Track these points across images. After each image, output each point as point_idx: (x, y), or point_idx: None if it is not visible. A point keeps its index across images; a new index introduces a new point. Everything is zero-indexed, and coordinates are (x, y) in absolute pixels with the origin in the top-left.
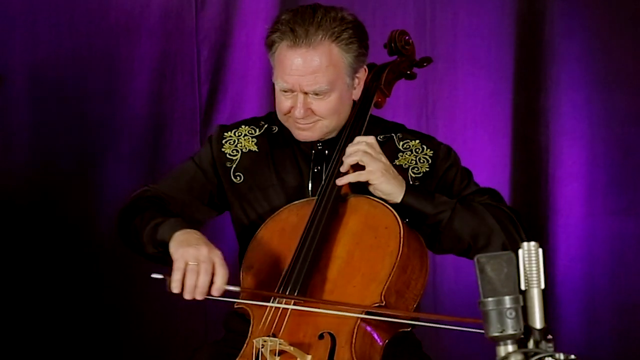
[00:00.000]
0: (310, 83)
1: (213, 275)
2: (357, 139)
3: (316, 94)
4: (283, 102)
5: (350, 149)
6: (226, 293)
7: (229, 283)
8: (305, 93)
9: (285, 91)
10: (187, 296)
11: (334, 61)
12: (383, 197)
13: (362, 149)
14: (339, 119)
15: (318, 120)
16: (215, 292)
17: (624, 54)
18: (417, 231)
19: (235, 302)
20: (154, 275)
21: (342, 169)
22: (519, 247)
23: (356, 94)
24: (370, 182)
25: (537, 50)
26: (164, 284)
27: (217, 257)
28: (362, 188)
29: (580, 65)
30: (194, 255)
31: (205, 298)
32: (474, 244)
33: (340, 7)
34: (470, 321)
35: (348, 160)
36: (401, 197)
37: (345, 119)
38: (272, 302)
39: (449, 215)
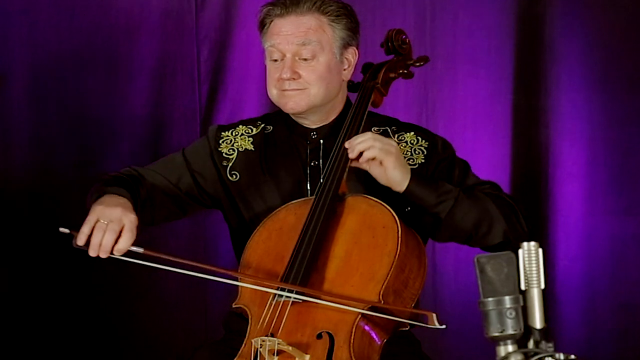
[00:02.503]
0: (300, 36)
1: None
2: (357, 137)
3: (304, 60)
4: (273, 74)
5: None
6: (130, 254)
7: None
8: (294, 56)
9: (275, 60)
10: (92, 252)
11: (323, 28)
12: (388, 184)
13: (373, 144)
14: (327, 91)
15: (305, 88)
16: (116, 252)
17: (624, 54)
18: (419, 219)
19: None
20: (62, 230)
21: (352, 155)
22: (520, 235)
23: (346, 75)
24: (382, 163)
25: (537, 51)
26: (72, 239)
27: (129, 220)
28: (360, 187)
29: (580, 65)
30: (107, 214)
31: (110, 257)
32: (476, 232)
33: None
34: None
35: (365, 152)
36: (406, 185)
37: (334, 95)
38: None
39: (451, 204)
